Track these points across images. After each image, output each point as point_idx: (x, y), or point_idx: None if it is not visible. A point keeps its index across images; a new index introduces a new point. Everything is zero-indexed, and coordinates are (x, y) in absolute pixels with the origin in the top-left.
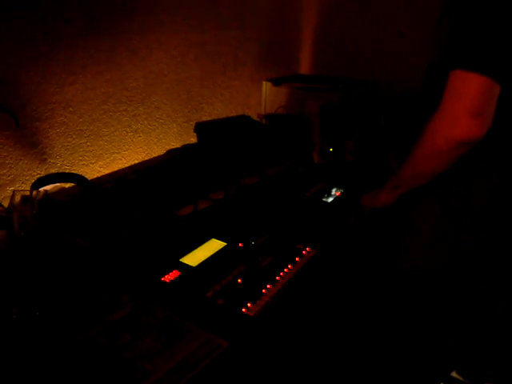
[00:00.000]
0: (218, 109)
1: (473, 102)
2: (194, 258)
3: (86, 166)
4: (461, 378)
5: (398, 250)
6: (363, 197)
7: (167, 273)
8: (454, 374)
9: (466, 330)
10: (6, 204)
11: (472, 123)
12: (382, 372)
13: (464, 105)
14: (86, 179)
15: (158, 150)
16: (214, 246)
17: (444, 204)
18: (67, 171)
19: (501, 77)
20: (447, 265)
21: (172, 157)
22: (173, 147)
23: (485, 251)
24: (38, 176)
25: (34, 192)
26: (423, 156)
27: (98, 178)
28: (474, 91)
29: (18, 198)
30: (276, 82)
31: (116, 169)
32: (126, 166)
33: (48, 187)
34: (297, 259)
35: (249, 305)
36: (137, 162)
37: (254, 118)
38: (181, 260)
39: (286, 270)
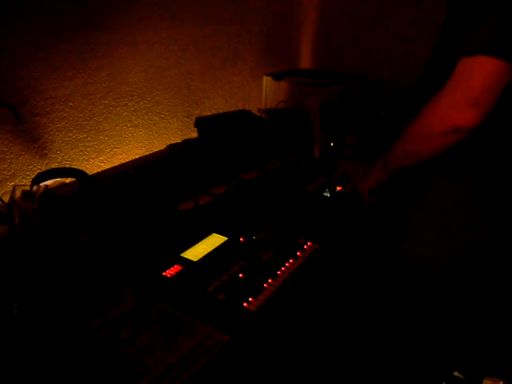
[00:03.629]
0: (218, 103)
1: (473, 90)
2: (195, 253)
3: (87, 160)
4: (460, 376)
5: (402, 239)
6: (359, 183)
7: (168, 268)
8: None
9: (475, 326)
10: (6, 199)
11: (468, 111)
12: (384, 368)
13: (464, 92)
14: (86, 174)
15: (158, 145)
16: (215, 240)
17: (456, 192)
18: (68, 166)
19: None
20: (455, 255)
21: (173, 152)
22: (173, 142)
23: (497, 243)
24: (39, 171)
25: (35, 187)
26: (416, 136)
27: (98, 173)
28: (479, 79)
29: (18, 193)
30: (276, 77)
31: (116, 164)
32: (127, 160)
33: (48, 182)
34: (298, 254)
35: (250, 299)
36: (137, 156)
37: (255, 112)
38: (182, 255)
39: (287, 264)
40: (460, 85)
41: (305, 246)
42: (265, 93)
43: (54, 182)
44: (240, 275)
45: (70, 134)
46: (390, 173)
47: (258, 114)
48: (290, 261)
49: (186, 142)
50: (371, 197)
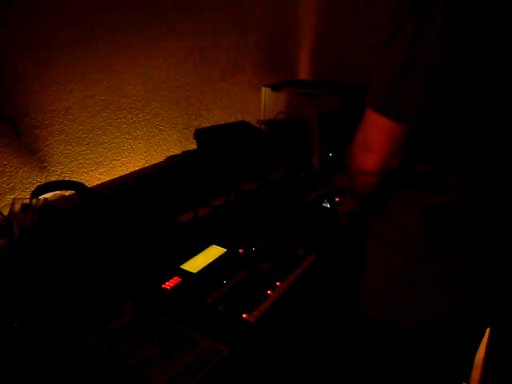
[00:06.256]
0: (217, 115)
1: (366, 138)
2: (195, 265)
3: (86, 173)
4: None
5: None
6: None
7: (168, 279)
8: None
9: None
10: (6, 212)
11: (366, 156)
12: (382, 377)
13: (360, 138)
14: (85, 187)
15: (157, 157)
16: (214, 252)
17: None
18: (67, 179)
19: (402, 120)
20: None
21: (172, 163)
22: (172, 154)
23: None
24: (38, 184)
25: (34, 200)
26: (350, 173)
27: (98, 186)
28: (369, 128)
29: (18, 206)
30: (275, 88)
31: (116, 176)
32: (126, 173)
33: (48, 195)
34: (298, 264)
35: (250, 311)
36: (137, 168)
37: (254, 123)
38: (181, 267)
39: (286, 275)
40: (361, 129)
41: (304, 257)
42: (264, 104)
43: (54, 195)
44: (239, 286)
45: (70, 147)
46: (359, 203)
47: (257, 125)
48: (290, 272)
49: (185, 153)
50: (347, 220)
